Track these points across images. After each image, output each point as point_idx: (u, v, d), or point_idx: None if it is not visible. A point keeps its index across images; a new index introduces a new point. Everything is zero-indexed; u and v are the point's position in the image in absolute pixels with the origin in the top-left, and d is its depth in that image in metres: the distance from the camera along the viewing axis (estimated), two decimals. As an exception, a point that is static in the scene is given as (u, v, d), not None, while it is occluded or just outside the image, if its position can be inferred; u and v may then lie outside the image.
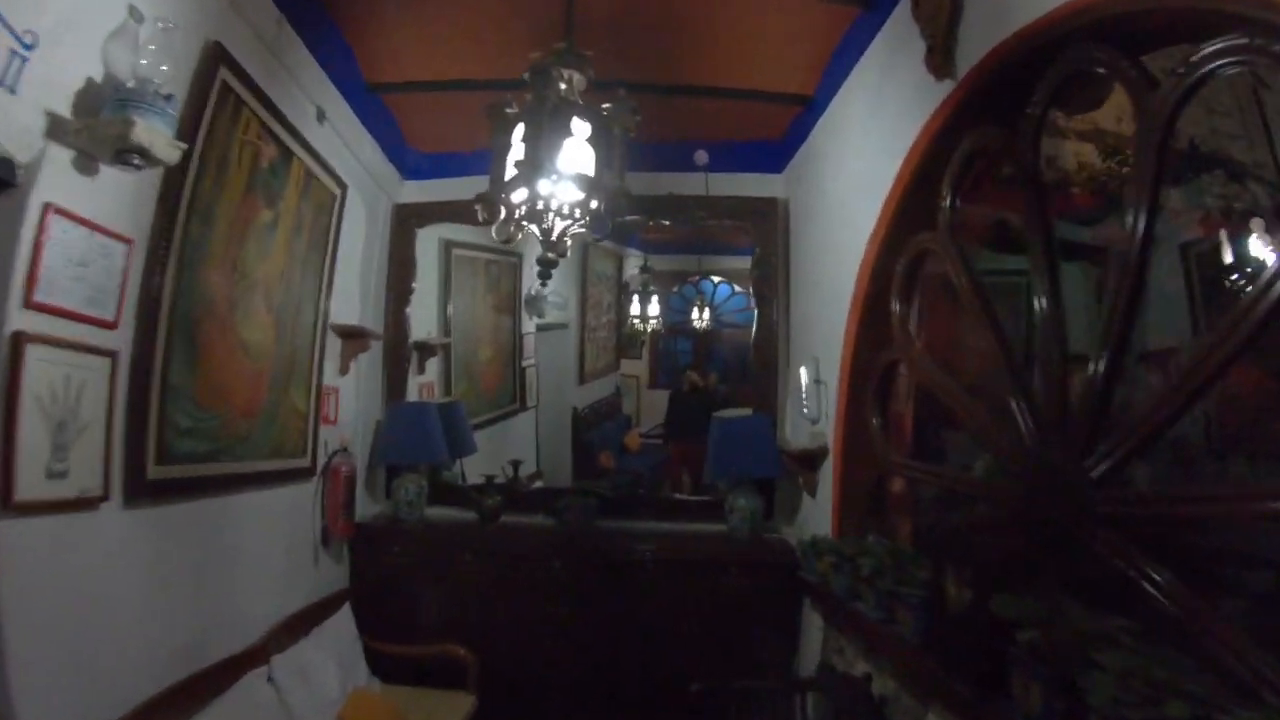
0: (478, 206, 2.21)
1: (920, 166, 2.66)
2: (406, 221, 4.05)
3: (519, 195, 2.21)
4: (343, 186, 3.54)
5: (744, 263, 10.32)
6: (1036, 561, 1.92)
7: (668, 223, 3.96)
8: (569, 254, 2.32)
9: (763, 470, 3.60)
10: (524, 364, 5.91)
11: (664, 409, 6.55)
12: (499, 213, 2.21)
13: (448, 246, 4.60)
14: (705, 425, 5.87)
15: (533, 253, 6.23)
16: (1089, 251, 3.09)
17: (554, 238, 2.24)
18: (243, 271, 2.74)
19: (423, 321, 4.39)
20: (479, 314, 5.06)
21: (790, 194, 4.04)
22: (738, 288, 11.11)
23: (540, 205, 2.19)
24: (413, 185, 4.30)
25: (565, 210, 2.22)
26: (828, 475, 3.31)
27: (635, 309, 5.74)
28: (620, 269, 9.15)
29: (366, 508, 3.89)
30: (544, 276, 2.20)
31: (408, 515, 3.70)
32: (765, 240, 3.89)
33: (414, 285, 4.02)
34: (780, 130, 3.99)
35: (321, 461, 3.37)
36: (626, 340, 10.00)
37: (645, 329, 5.88)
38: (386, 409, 3.92)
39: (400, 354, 4.00)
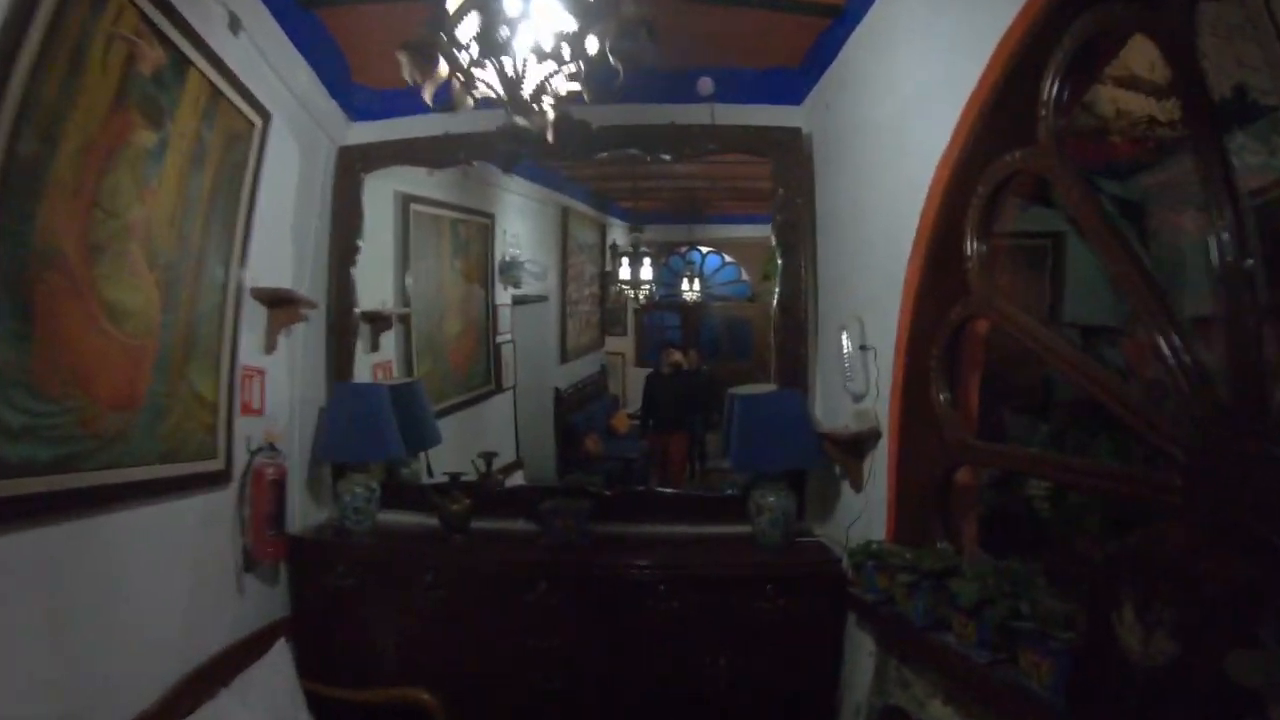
0: (403, 57, 1.46)
1: (1013, 63, 1.99)
2: (351, 167, 3.32)
3: (468, 28, 1.45)
4: (264, 116, 2.80)
5: (737, 231, 9.75)
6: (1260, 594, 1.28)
7: (668, 158, 3.24)
8: (549, 133, 1.56)
9: (800, 460, 2.93)
10: (499, 340, 5.19)
11: (654, 391, 5.70)
12: (436, 61, 1.42)
13: (405, 202, 3.87)
14: (690, 412, 5.33)
15: (507, 214, 5.54)
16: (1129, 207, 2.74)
17: (526, 95, 1.44)
18: (109, 209, 2.01)
19: (376, 290, 3.66)
20: (445, 282, 4.33)
21: (814, 127, 3.35)
22: (728, 258, 10.47)
23: (502, 37, 1.39)
24: (362, 128, 3.55)
25: (544, 48, 1.42)
26: (880, 464, 2.66)
27: (625, 273, 4.97)
28: (604, 238, 8.44)
29: (309, 516, 3.19)
30: (507, 163, 1.54)
31: (356, 525, 3.00)
32: (788, 178, 3.20)
33: (359, 244, 3.28)
34: (798, 55, 3.29)
35: (240, 463, 2.66)
36: (610, 315, 9.32)
37: (637, 296, 5.11)
38: (329, 394, 3.19)
39: (346, 326, 3.27)
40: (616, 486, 3.25)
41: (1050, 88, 1.92)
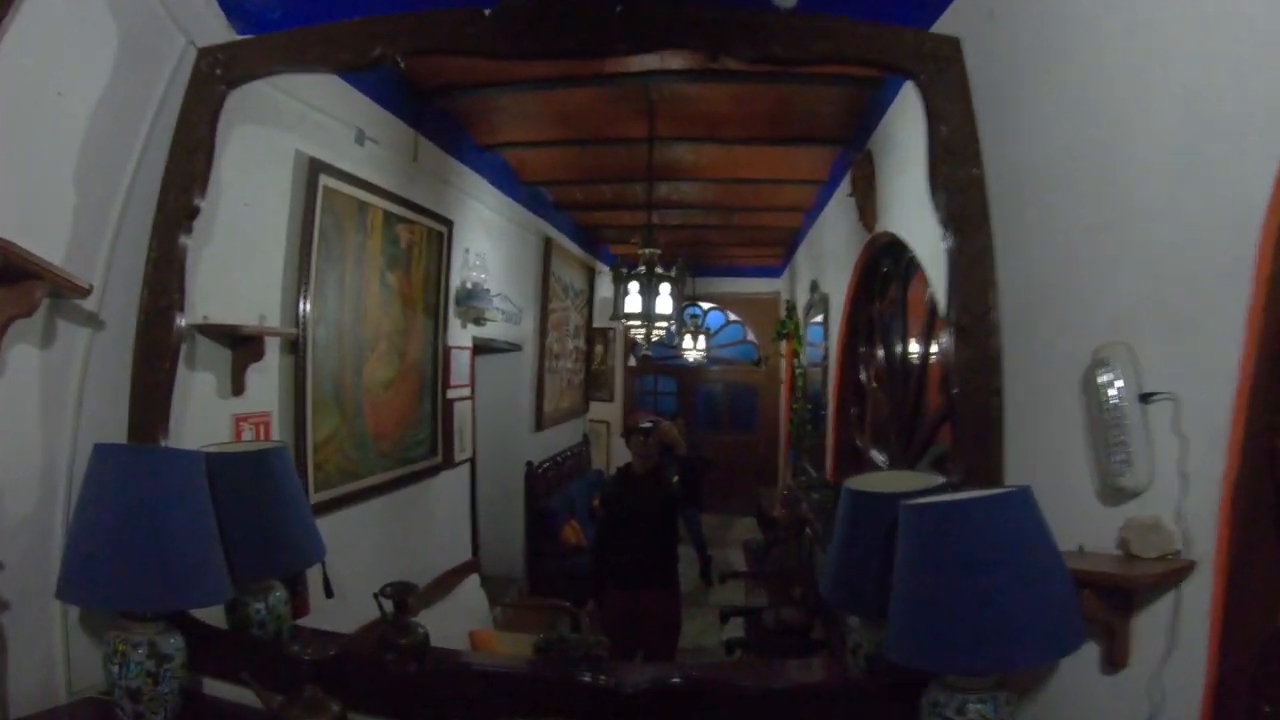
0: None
1: None
2: (208, 77, 1.95)
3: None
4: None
5: (743, 285, 8.50)
6: None
7: (734, 67, 1.95)
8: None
9: (1049, 641, 1.45)
10: (452, 395, 3.77)
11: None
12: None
13: (313, 170, 2.52)
14: (667, 558, 3.38)
15: (471, 226, 4.16)
16: None
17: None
18: None
19: (247, 294, 2.28)
20: (370, 303, 2.95)
21: (970, 45, 2.07)
22: (732, 315, 9.22)
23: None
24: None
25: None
26: (1191, 623, 1.30)
27: (633, 304, 3.59)
28: (592, 285, 7.12)
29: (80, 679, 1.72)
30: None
31: (136, 713, 1.51)
32: (950, 114, 1.89)
33: (198, 202, 1.87)
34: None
35: None
36: (596, 377, 7.92)
37: (649, 336, 3.71)
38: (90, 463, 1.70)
39: (161, 341, 1.82)
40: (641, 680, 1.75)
41: None
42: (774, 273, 8.34)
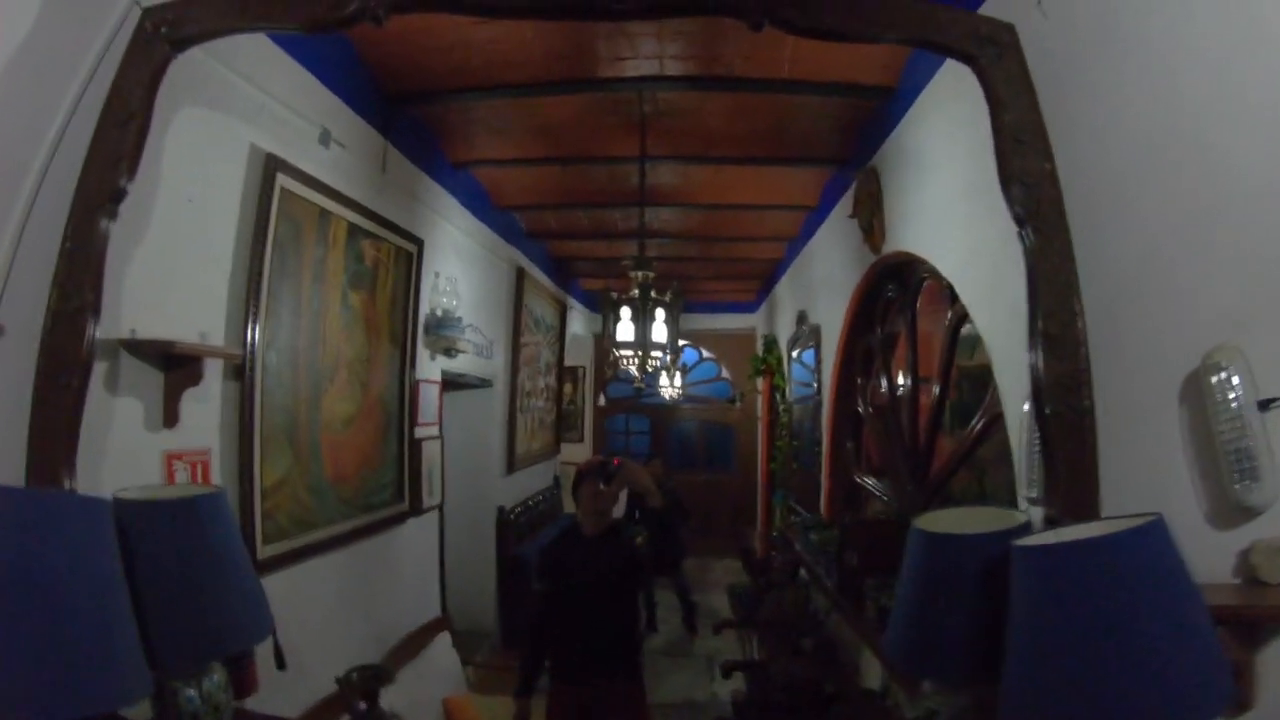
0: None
1: None
2: (151, 38, 1.61)
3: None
4: None
5: (718, 321, 8.26)
6: None
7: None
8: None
9: (1210, 702, 1.15)
10: (420, 434, 3.40)
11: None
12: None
13: (270, 169, 2.18)
14: (627, 642, 2.58)
15: (442, 249, 3.79)
16: None
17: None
18: None
19: (185, 306, 1.91)
20: (330, 325, 2.59)
21: (1028, 34, 1.85)
22: (706, 352, 8.96)
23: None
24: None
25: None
26: None
27: (625, 332, 3.24)
28: (564, 320, 6.79)
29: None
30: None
31: None
32: (1014, 103, 1.65)
33: (125, 184, 1.52)
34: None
35: None
36: (566, 417, 7.53)
37: (644, 366, 3.37)
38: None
39: (68, 356, 1.44)
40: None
41: None
42: (749, 308, 8.14)
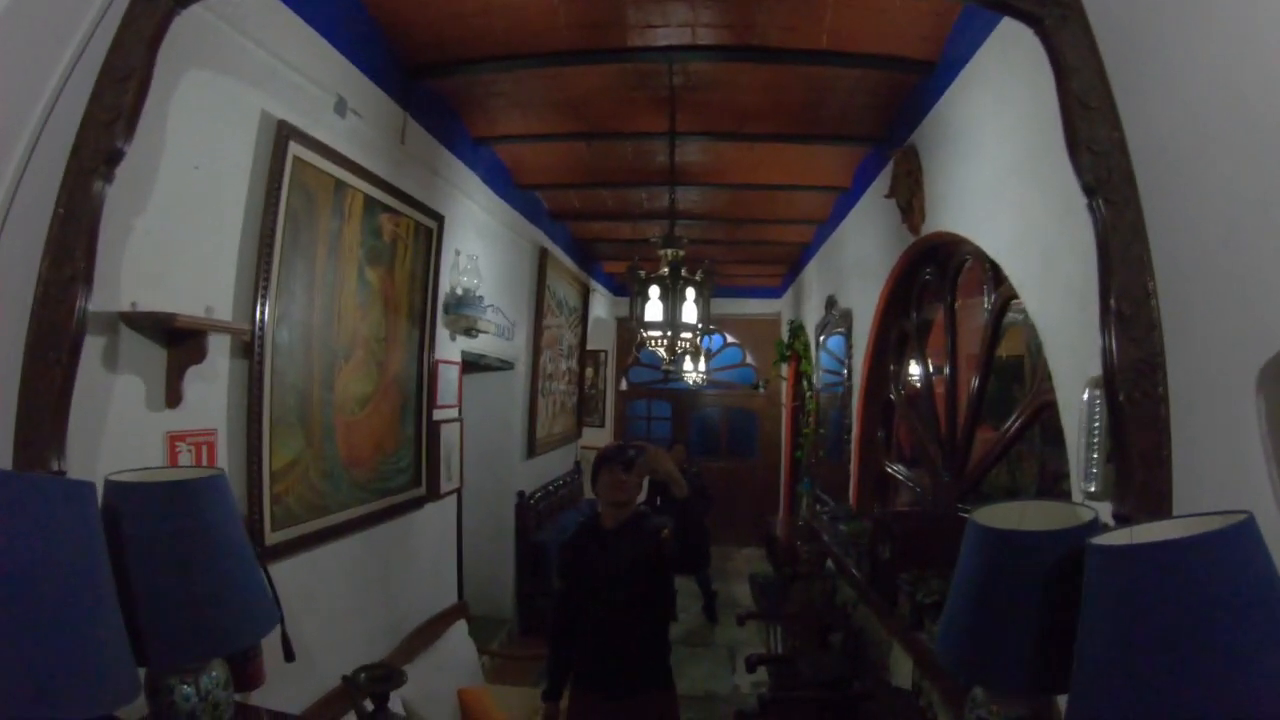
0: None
1: None
2: None
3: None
4: None
5: (743, 307, 8.11)
6: None
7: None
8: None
9: None
10: (439, 416, 3.31)
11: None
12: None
13: (282, 137, 2.08)
14: (657, 648, 2.35)
15: (463, 226, 3.67)
16: None
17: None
18: None
19: (190, 279, 1.82)
20: (345, 303, 2.49)
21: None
22: (730, 338, 8.81)
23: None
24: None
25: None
26: None
27: (654, 311, 3.09)
28: (586, 303, 6.68)
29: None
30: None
31: None
32: (1080, 69, 1.50)
33: (122, 145, 1.42)
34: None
35: None
36: (588, 401, 7.43)
37: (673, 348, 3.23)
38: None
39: (58, 328, 1.34)
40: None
41: None
42: (774, 293, 7.97)
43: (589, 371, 7.29)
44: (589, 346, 6.90)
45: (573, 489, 6.10)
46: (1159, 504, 1.32)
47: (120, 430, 1.61)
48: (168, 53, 1.58)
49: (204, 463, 1.84)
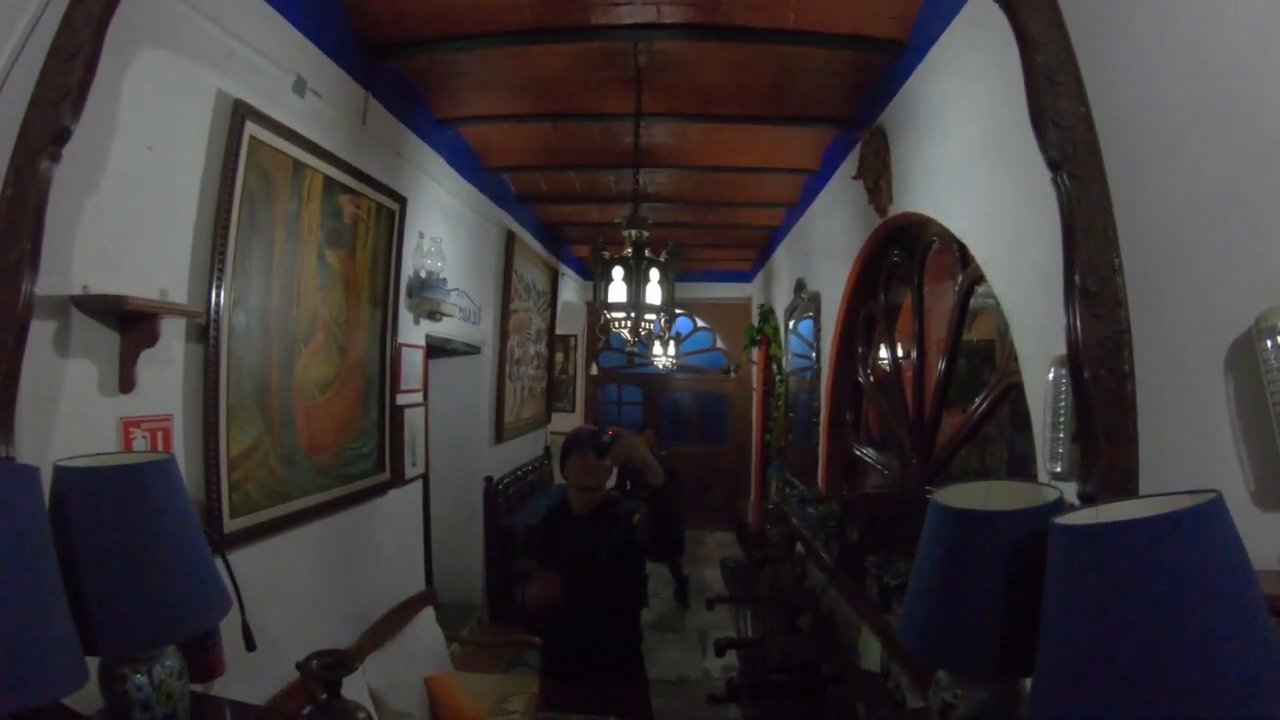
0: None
1: None
2: None
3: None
4: None
5: (713, 291, 8.10)
6: None
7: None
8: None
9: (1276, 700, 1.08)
10: (403, 401, 3.27)
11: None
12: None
13: (238, 116, 2.01)
14: (627, 638, 2.29)
15: (426, 209, 3.59)
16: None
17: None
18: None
19: (142, 260, 1.76)
20: (305, 284, 2.44)
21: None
22: (700, 322, 8.81)
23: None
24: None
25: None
26: None
27: (617, 293, 3.05)
28: (555, 287, 6.63)
29: None
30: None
31: None
32: (1046, 43, 1.50)
33: (70, 124, 1.36)
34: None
35: None
36: (558, 386, 7.39)
37: (637, 330, 3.21)
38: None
39: (4, 312, 1.30)
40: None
41: None
42: (745, 277, 7.98)
43: (559, 356, 7.25)
44: (558, 331, 6.85)
45: (542, 474, 6.07)
46: (1125, 483, 1.32)
47: (73, 416, 1.55)
48: (120, 31, 1.52)
49: (159, 448, 1.79)
